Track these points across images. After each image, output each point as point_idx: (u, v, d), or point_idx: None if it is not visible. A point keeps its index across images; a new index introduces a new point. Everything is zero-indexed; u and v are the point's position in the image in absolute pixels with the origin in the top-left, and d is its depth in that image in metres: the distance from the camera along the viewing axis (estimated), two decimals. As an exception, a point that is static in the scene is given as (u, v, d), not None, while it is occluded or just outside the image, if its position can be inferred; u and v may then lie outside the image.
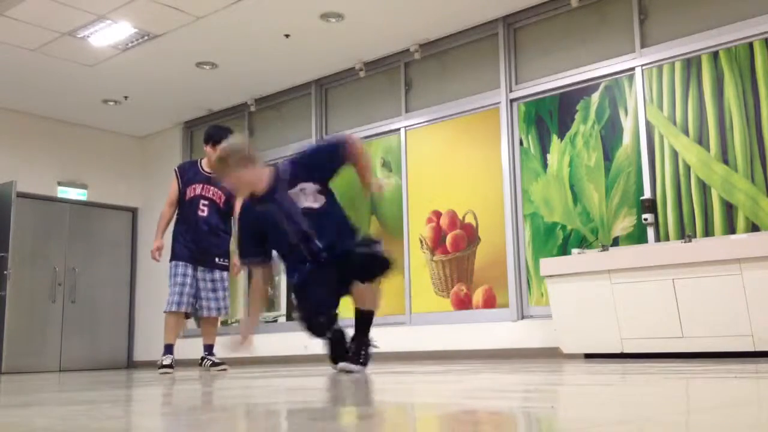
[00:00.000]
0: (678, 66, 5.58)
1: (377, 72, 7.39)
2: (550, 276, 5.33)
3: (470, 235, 6.55)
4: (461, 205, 6.64)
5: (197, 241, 5.31)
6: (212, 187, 5.37)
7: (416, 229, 6.89)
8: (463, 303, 6.51)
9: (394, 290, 6.96)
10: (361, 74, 7.40)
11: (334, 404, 2.26)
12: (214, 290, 5.33)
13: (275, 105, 8.27)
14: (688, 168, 5.44)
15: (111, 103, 8.36)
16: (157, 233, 5.43)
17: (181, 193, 5.40)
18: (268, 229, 3.89)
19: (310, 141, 7.81)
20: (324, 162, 4.02)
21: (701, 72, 5.47)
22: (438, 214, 6.77)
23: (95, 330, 8.83)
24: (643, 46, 5.77)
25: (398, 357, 6.62)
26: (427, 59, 7.04)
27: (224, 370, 5.22)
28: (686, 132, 5.48)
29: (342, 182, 7.47)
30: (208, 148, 5.37)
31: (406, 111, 7.13)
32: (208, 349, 5.41)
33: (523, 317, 6.13)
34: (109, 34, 6.63)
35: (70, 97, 8.19)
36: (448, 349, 6.37)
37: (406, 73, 7.20)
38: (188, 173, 5.46)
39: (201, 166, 5.48)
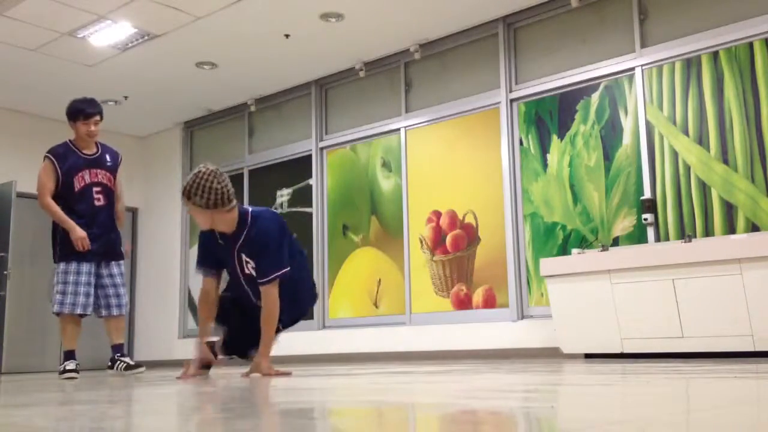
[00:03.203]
0: (678, 66, 5.58)
1: (377, 72, 7.39)
2: (550, 276, 5.33)
3: (470, 235, 6.55)
4: (461, 205, 6.64)
5: (100, 235, 4.81)
6: (99, 170, 4.87)
7: (416, 229, 6.89)
8: (463, 303, 6.51)
9: (394, 290, 6.97)
10: (361, 74, 7.40)
11: (333, 404, 2.26)
12: (115, 285, 4.89)
13: (275, 105, 8.27)
14: (688, 168, 5.44)
15: (111, 103, 8.35)
16: (65, 222, 4.75)
17: (64, 183, 4.79)
18: (222, 256, 4.07)
19: (310, 141, 7.82)
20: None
21: (701, 72, 5.47)
22: (438, 214, 6.77)
23: (95, 330, 8.78)
24: (643, 46, 5.77)
25: (398, 357, 6.62)
26: (427, 59, 7.04)
27: (142, 372, 4.93)
28: (686, 132, 5.48)
29: (341, 182, 7.49)
30: (80, 125, 4.85)
31: (406, 111, 7.13)
32: (119, 349, 5.00)
33: (523, 317, 6.13)
34: (109, 34, 6.63)
35: (70, 97, 8.10)
36: (448, 349, 6.37)
37: (406, 73, 7.20)
38: (66, 159, 4.83)
39: (77, 149, 4.91)
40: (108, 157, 5.01)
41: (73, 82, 7.71)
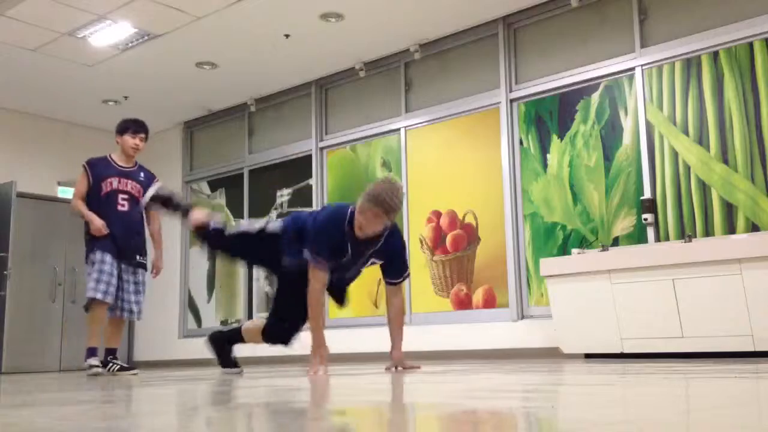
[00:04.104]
0: (678, 66, 5.58)
1: (377, 72, 7.39)
2: (550, 276, 5.33)
3: (470, 235, 6.55)
4: (461, 205, 6.64)
5: (120, 237, 5.09)
6: (129, 181, 5.20)
7: (416, 229, 6.89)
8: (463, 303, 6.51)
9: (394, 290, 6.96)
10: (361, 74, 7.40)
11: (333, 404, 2.26)
12: (137, 292, 5.17)
13: (275, 105, 8.27)
14: (688, 168, 5.44)
15: (111, 103, 8.35)
16: (86, 213, 5.05)
17: (93, 188, 5.14)
18: (346, 251, 4.06)
19: (310, 141, 7.82)
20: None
21: (701, 72, 5.47)
22: (438, 214, 6.77)
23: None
24: (643, 46, 5.77)
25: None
26: (427, 59, 7.04)
27: (135, 374, 5.05)
28: (686, 132, 5.48)
29: (341, 182, 7.48)
30: (127, 137, 5.23)
31: (406, 111, 7.13)
32: (112, 352, 5.14)
33: (523, 317, 6.13)
34: (109, 34, 6.64)
35: (70, 97, 8.19)
36: (448, 349, 6.37)
37: (406, 73, 7.20)
38: (98, 167, 5.19)
39: (113, 160, 5.26)
40: (142, 174, 5.35)
41: (73, 82, 7.72)
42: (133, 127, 5.28)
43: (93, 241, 5.05)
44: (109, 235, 5.04)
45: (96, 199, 5.13)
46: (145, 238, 5.31)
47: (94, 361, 4.96)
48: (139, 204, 5.23)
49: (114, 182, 5.15)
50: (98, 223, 5.01)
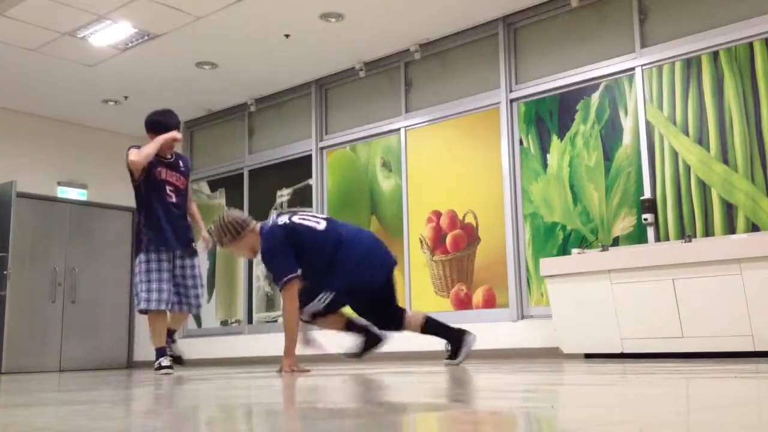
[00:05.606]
0: (678, 66, 5.58)
1: (377, 72, 7.39)
2: (550, 276, 5.33)
3: (470, 235, 6.55)
4: (461, 205, 6.64)
5: (173, 229, 5.01)
6: (173, 172, 5.10)
7: (416, 229, 6.89)
8: (463, 303, 6.51)
9: (394, 290, 6.95)
10: (361, 74, 7.40)
11: (333, 404, 2.26)
12: (194, 286, 5.08)
13: (275, 105, 8.27)
14: (688, 168, 5.44)
15: (111, 103, 8.35)
16: (159, 139, 4.94)
17: (147, 172, 4.96)
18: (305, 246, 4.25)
19: (310, 141, 7.82)
20: None
21: (701, 72, 5.47)
22: (438, 214, 6.77)
23: (95, 330, 8.83)
24: (643, 46, 5.77)
25: (398, 357, 6.61)
26: (427, 59, 7.04)
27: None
28: (686, 132, 5.48)
29: (341, 182, 7.48)
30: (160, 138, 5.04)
31: (406, 111, 7.13)
32: (170, 334, 5.11)
33: (523, 317, 6.13)
34: (109, 34, 6.63)
35: (70, 97, 8.19)
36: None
37: (406, 73, 7.20)
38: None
39: (155, 154, 5.07)
40: (181, 163, 5.24)
41: (73, 82, 7.72)
42: (167, 125, 5.06)
43: (149, 238, 4.98)
44: (162, 229, 4.97)
45: (151, 183, 4.98)
46: (191, 226, 5.24)
47: (165, 361, 4.91)
48: (183, 196, 5.14)
49: (162, 172, 5.02)
50: (169, 136, 4.95)
